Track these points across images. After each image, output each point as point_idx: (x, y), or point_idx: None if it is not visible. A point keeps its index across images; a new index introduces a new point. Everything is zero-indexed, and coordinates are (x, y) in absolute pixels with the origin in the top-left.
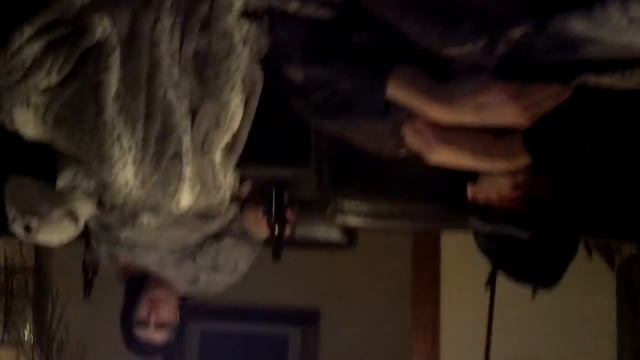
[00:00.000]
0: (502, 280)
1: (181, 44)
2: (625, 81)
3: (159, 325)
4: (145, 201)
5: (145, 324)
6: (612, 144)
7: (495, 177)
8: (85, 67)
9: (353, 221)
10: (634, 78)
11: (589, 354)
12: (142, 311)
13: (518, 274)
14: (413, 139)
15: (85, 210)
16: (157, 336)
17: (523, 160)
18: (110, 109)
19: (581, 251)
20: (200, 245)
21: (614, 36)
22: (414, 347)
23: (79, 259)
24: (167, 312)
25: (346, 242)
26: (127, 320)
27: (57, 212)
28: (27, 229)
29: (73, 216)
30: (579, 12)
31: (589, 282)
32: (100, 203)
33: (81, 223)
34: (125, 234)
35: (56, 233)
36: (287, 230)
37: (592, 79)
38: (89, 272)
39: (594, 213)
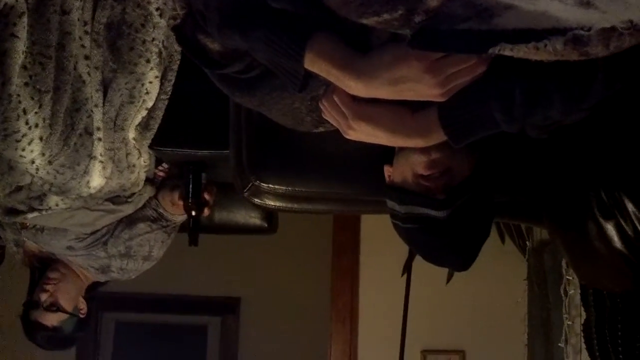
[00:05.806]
0: (418, 264)
1: (94, 13)
2: (540, 52)
3: (51, 307)
4: (53, 181)
5: (37, 305)
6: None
7: (410, 155)
8: None
9: (270, 203)
10: (548, 49)
11: (501, 338)
12: (37, 292)
13: (433, 256)
14: (330, 114)
15: None
16: (48, 318)
17: (438, 136)
18: (17, 81)
19: (494, 238)
20: (112, 231)
21: (530, 3)
22: (332, 334)
23: None
24: (65, 295)
25: (266, 226)
26: (25, 305)
27: None
28: None
29: None
30: None
31: (501, 268)
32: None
33: None
34: (32, 217)
35: None
36: (205, 212)
37: (508, 50)
38: None
39: (507, 194)
